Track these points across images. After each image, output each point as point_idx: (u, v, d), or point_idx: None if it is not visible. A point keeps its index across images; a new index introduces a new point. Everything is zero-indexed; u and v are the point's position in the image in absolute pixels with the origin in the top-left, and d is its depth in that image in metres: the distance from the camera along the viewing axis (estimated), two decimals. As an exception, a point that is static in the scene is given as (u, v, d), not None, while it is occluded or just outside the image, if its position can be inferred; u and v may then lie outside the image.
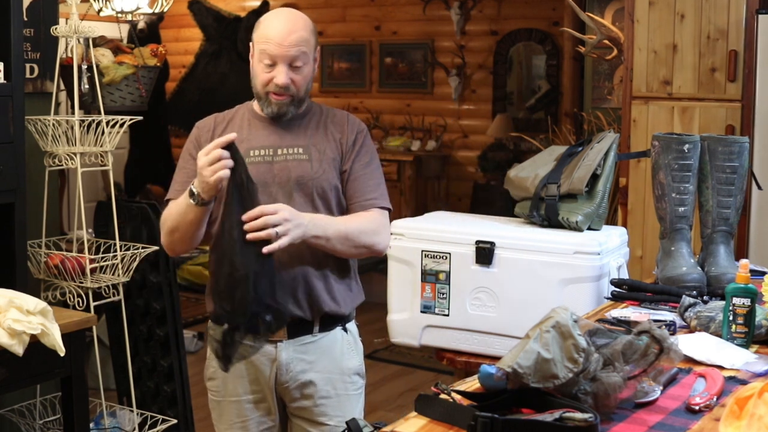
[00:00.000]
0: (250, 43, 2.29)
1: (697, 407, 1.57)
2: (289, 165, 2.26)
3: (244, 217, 2.05)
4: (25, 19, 3.28)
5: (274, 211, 2.07)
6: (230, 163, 2.06)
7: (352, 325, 2.41)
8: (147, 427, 3.51)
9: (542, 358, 1.53)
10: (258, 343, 2.22)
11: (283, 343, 2.28)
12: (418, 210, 6.48)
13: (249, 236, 2.04)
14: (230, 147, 2.08)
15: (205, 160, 2.06)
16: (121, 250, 3.33)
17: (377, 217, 2.29)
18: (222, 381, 2.36)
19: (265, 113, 2.29)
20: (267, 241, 2.07)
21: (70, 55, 3.35)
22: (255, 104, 2.35)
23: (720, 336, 2.00)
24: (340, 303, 2.32)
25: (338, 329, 2.35)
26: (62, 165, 3.27)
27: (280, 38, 2.21)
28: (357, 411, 2.36)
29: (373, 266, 5.82)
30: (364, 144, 2.35)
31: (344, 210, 2.32)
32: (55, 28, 3.31)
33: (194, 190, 2.13)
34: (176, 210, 2.22)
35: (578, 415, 1.41)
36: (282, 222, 2.07)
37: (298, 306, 2.26)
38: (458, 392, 1.60)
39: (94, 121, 3.27)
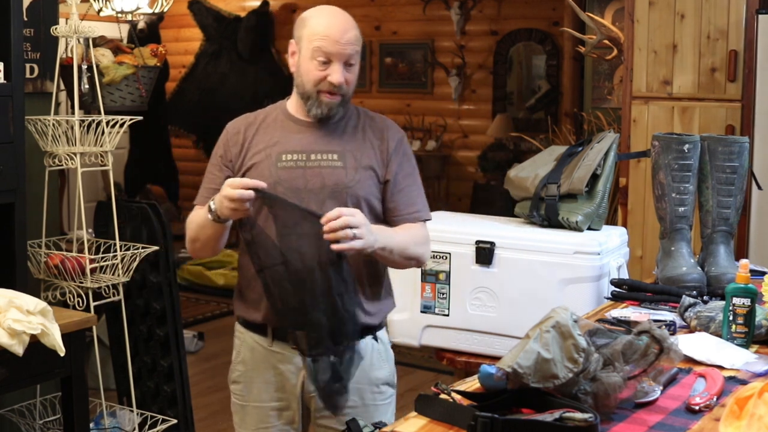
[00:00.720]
0: (291, 41, 2.21)
1: (697, 407, 1.57)
2: (322, 171, 2.17)
3: (324, 219, 1.99)
4: (25, 19, 3.28)
5: (352, 213, 2.02)
6: (249, 208, 2.04)
7: (383, 333, 2.33)
8: (147, 427, 3.51)
9: (542, 358, 1.53)
10: (286, 351, 2.19)
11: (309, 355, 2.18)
12: (418, 210, 6.47)
13: (327, 236, 1.98)
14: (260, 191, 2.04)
15: (229, 192, 2.02)
16: (121, 250, 3.33)
17: (423, 229, 2.25)
18: (246, 386, 2.30)
19: (312, 114, 2.20)
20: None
21: (70, 55, 3.35)
22: (289, 105, 2.27)
23: (720, 336, 2.00)
24: (372, 314, 2.25)
25: (369, 338, 2.27)
26: (62, 165, 3.27)
27: (338, 35, 2.13)
28: (387, 421, 2.27)
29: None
30: (405, 152, 2.27)
31: (379, 220, 2.24)
32: (55, 28, 3.31)
33: (213, 206, 2.09)
34: (196, 221, 2.19)
35: (578, 415, 1.41)
36: (360, 225, 2.01)
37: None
38: (458, 392, 1.60)
39: (94, 121, 3.27)
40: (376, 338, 2.29)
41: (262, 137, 2.23)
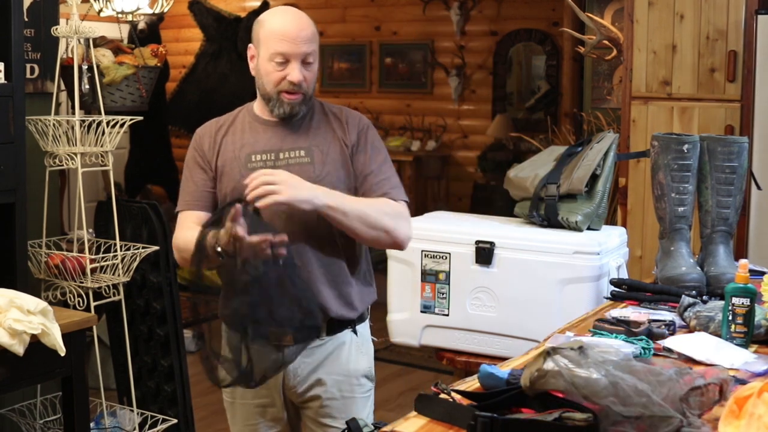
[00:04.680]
0: (250, 45, 2.24)
1: (696, 407, 1.57)
2: (291, 169, 2.17)
3: (246, 180, 2.04)
4: (26, 19, 3.28)
5: (272, 173, 2.07)
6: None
7: (363, 327, 2.34)
8: (147, 426, 3.52)
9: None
10: (265, 348, 2.16)
11: (289, 348, 2.20)
12: (418, 210, 6.46)
13: (249, 196, 2.02)
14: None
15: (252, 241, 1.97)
16: (121, 250, 3.33)
17: (396, 205, 2.22)
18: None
19: (275, 114, 2.23)
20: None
21: (70, 55, 3.35)
22: (256, 106, 2.30)
23: (719, 336, 2.00)
24: (350, 307, 2.26)
25: (347, 332, 2.29)
26: (63, 165, 3.27)
27: (293, 34, 2.16)
28: (365, 413, 2.31)
29: (373, 266, 5.79)
30: (368, 140, 2.28)
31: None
32: (56, 29, 3.31)
33: (219, 249, 2.03)
34: (189, 246, 2.11)
35: (578, 415, 1.41)
36: (280, 182, 2.04)
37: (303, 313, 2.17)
38: (458, 392, 1.60)
39: (94, 121, 3.27)
40: (355, 331, 2.31)
41: (231, 139, 2.26)
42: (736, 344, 1.95)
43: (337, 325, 2.27)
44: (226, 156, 2.24)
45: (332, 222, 2.14)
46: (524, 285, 2.61)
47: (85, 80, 3.32)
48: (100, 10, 4.45)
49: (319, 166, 2.21)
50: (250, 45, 2.25)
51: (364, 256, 2.33)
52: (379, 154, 2.28)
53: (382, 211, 2.17)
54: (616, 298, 2.42)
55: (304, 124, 2.26)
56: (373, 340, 2.40)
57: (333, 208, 2.11)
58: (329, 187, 2.17)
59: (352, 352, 2.30)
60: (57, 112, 3.30)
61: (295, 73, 2.16)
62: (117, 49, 3.58)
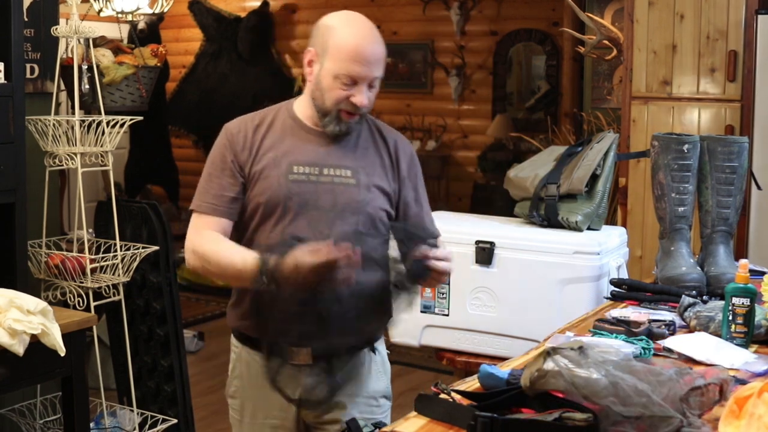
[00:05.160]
0: (310, 48, 2.06)
1: (696, 407, 1.57)
2: (335, 188, 2.05)
3: (432, 252, 1.91)
4: (26, 19, 3.28)
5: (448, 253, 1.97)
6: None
7: (380, 344, 2.24)
8: (147, 426, 3.52)
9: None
10: (283, 367, 2.07)
11: (307, 368, 2.10)
12: (418, 210, 6.47)
13: (440, 269, 1.92)
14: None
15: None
16: (121, 250, 3.33)
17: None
18: (242, 402, 2.22)
19: (328, 130, 2.06)
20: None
21: (70, 55, 3.35)
22: (298, 109, 2.13)
23: (719, 336, 2.00)
24: (373, 332, 2.17)
25: (366, 351, 2.18)
26: (62, 165, 3.27)
27: (367, 56, 2.00)
28: None
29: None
30: (417, 172, 2.19)
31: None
32: (56, 29, 3.31)
33: (265, 280, 1.91)
34: (224, 263, 2.00)
35: (578, 415, 1.41)
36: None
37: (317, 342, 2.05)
38: (458, 392, 1.60)
39: (94, 121, 3.27)
40: (374, 350, 2.21)
41: (270, 143, 2.09)
42: (736, 344, 1.95)
43: (356, 346, 2.15)
44: (265, 161, 2.07)
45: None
46: (524, 285, 2.61)
47: (85, 80, 3.32)
48: (100, 10, 4.46)
49: (364, 190, 2.08)
50: (309, 48, 2.07)
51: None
52: (424, 189, 2.21)
53: None
54: (616, 298, 2.42)
55: (351, 140, 2.11)
56: (388, 354, 2.31)
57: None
58: (370, 212, 2.07)
59: (372, 372, 2.19)
60: (57, 112, 3.30)
61: (361, 97, 2.02)
62: (117, 49, 3.58)
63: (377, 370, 2.21)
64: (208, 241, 2.05)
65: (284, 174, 2.05)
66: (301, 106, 2.13)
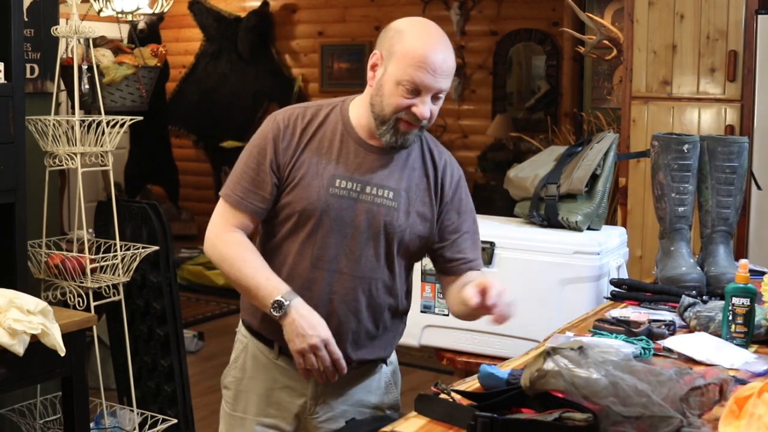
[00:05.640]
0: (377, 51, 1.96)
1: (696, 407, 1.57)
2: (374, 209, 1.97)
3: (491, 301, 1.84)
4: (26, 19, 3.28)
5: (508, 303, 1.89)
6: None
7: (393, 357, 2.20)
8: (147, 426, 3.52)
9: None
10: (291, 367, 2.04)
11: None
12: (418, 210, 6.47)
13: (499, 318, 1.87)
14: None
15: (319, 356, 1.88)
16: (121, 250, 3.33)
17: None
18: (235, 393, 2.15)
19: (383, 140, 1.96)
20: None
21: (70, 55, 3.35)
22: (354, 115, 2.02)
23: (719, 336, 2.00)
24: (385, 348, 2.13)
25: (378, 361, 2.15)
26: (62, 165, 3.27)
27: (436, 65, 1.88)
28: None
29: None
30: (465, 195, 2.10)
31: (417, 258, 2.14)
32: (56, 29, 3.31)
33: (279, 314, 1.89)
34: (245, 278, 1.95)
35: (578, 415, 1.41)
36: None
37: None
38: (458, 392, 1.60)
39: (94, 121, 3.27)
40: (385, 362, 2.17)
41: (317, 146, 1.99)
42: (736, 344, 1.95)
43: (367, 360, 2.11)
44: (308, 168, 1.97)
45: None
46: (524, 285, 2.61)
47: (85, 80, 3.32)
48: (100, 10, 4.46)
49: (403, 216, 2.00)
50: (375, 51, 1.96)
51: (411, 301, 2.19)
52: (472, 212, 2.12)
53: None
54: (616, 298, 2.42)
55: (400, 158, 2.01)
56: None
57: None
58: (406, 239, 2.01)
59: (382, 384, 2.16)
60: (57, 112, 3.30)
61: (423, 108, 1.90)
62: (117, 49, 3.58)
63: (387, 383, 2.18)
64: (235, 244, 1.99)
65: (325, 186, 1.96)
66: (357, 112, 2.02)
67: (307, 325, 1.89)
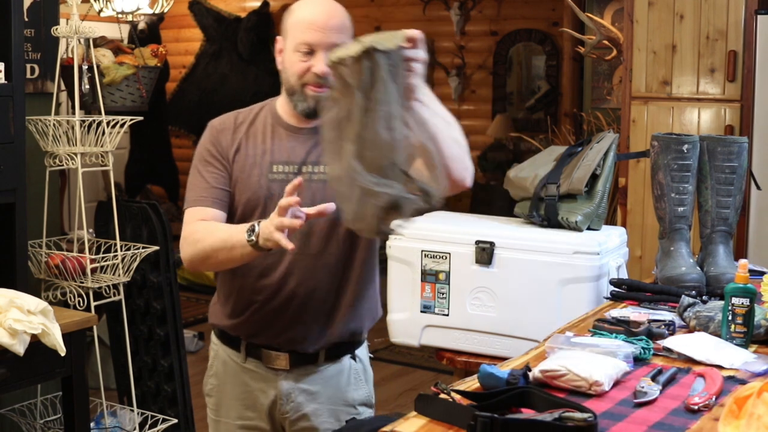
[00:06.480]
0: (278, 37, 2.07)
1: (696, 407, 1.58)
2: (312, 186, 2.03)
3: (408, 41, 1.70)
4: (26, 19, 3.28)
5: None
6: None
7: (362, 351, 2.23)
8: (147, 426, 3.52)
9: None
10: (259, 369, 2.13)
11: (284, 372, 2.13)
12: (418, 210, 6.47)
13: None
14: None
15: (282, 222, 1.81)
16: (121, 250, 3.33)
17: None
18: (217, 400, 2.23)
19: (299, 110, 2.05)
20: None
21: (70, 55, 3.35)
22: (279, 106, 2.13)
23: (719, 336, 2.00)
24: (355, 326, 2.14)
25: (346, 358, 2.18)
26: (63, 165, 3.27)
27: (322, 22, 1.97)
28: None
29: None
30: None
31: (373, 248, 2.13)
32: (56, 29, 3.31)
33: (256, 229, 1.87)
34: (219, 236, 1.96)
35: (578, 415, 1.41)
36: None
37: (304, 335, 2.09)
38: (458, 392, 1.60)
39: (94, 121, 3.28)
40: (354, 357, 2.20)
41: (252, 142, 2.09)
42: (735, 344, 1.95)
43: (336, 351, 2.15)
44: (246, 161, 2.07)
45: (417, 119, 1.76)
46: (524, 285, 2.61)
47: (85, 80, 3.32)
48: (100, 10, 4.46)
49: None
50: (278, 37, 2.08)
51: (376, 275, 2.20)
52: None
53: (460, 128, 1.91)
54: (616, 298, 2.42)
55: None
56: (370, 358, 2.30)
57: (427, 95, 1.83)
58: None
59: (351, 380, 2.19)
60: (57, 112, 3.30)
61: (320, 64, 1.97)
62: (117, 49, 3.59)
63: (357, 378, 2.21)
64: (201, 228, 2.02)
65: (264, 174, 2.05)
66: (281, 101, 2.13)
67: (274, 217, 1.86)
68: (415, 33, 1.69)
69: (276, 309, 2.08)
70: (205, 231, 2.00)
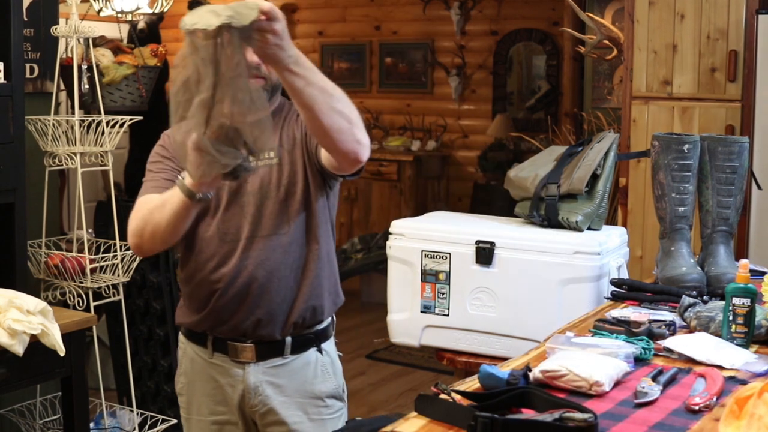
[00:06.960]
0: None
1: (696, 407, 1.57)
2: (260, 171, 2.10)
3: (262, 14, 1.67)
4: (26, 19, 3.28)
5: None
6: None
7: (329, 345, 2.27)
8: (147, 427, 3.52)
9: None
10: (226, 364, 2.17)
11: (251, 366, 2.17)
12: (418, 210, 6.48)
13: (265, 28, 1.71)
14: None
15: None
16: (121, 250, 3.33)
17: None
18: (188, 398, 2.27)
19: None
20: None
21: (70, 55, 3.35)
22: None
23: (720, 336, 2.00)
24: (317, 305, 2.17)
25: (312, 350, 2.22)
26: (62, 165, 3.27)
27: None
28: None
29: (373, 266, 5.82)
30: None
31: (332, 223, 2.21)
32: (55, 28, 3.31)
33: (183, 180, 1.93)
34: (152, 204, 2.03)
35: (578, 415, 1.41)
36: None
37: (269, 318, 2.13)
38: (458, 392, 1.60)
39: (94, 121, 3.27)
40: (320, 350, 2.24)
41: None
42: (736, 344, 1.95)
43: (302, 342, 2.19)
44: None
45: (291, 88, 1.79)
46: (524, 285, 2.60)
47: (85, 80, 3.32)
48: (100, 10, 4.45)
49: (287, 166, 2.12)
50: None
51: (333, 257, 2.24)
52: None
53: (345, 98, 1.87)
54: (616, 298, 2.42)
55: (277, 123, 2.14)
56: (339, 356, 2.32)
57: (296, 72, 1.77)
58: (297, 191, 2.11)
59: (318, 373, 2.22)
60: (57, 112, 3.30)
61: (251, 54, 1.88)
62: (117, 48, 3.58)
63: (324, 371, 2.24)
64: (142, 204, 2.07)
65: None
66: None
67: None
68: (267, 5, 1.68)
69: (237, 294, 2.12)
70: (139, 204, 2.08)
